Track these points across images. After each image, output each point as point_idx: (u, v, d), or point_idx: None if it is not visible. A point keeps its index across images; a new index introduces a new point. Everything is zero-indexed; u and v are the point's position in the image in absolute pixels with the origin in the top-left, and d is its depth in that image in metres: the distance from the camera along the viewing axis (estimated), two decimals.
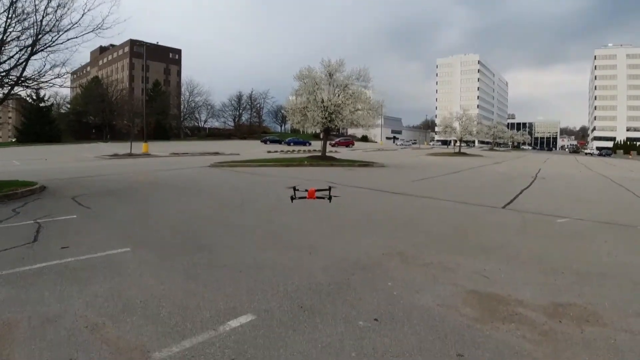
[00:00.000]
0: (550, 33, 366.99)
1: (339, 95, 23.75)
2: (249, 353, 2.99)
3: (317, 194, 5.40)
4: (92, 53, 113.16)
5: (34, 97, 62.59)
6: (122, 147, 37.79)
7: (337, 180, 14.52)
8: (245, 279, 4.57)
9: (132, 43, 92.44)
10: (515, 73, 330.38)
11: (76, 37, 11.20)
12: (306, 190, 5.35)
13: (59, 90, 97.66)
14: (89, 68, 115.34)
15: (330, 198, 5.33)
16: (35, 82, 11.28)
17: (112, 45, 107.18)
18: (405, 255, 5.50)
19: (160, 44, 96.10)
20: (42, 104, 66.46)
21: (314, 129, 25.07)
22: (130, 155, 30.16)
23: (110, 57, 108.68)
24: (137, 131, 44.82)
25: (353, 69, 24.19)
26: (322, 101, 23.56)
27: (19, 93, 13.98)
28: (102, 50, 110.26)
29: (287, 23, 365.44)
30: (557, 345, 3.16)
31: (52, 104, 74.40)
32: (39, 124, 64.53)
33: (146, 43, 51.41)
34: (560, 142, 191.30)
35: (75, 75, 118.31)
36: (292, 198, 5.08)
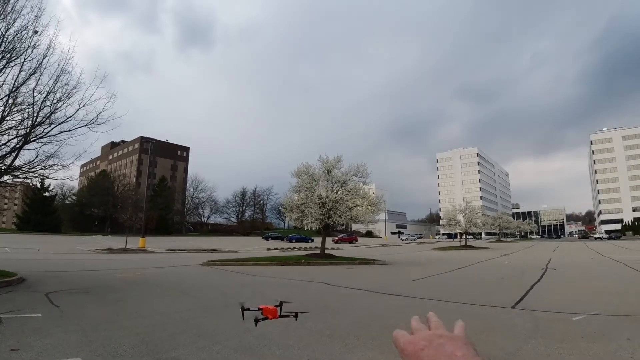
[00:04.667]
0: (547, 122, 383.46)
1: (337, 192, 23.76)
2: None
3: (281, 312, 4.73)
4: (103, 147, 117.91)
5: (39, 187, 63.86)
6: (120, 241, 37.37)
7: (332, 281, 13.85)
8: None
9: (142, 140, 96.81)
10: (516, 163, 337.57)
11: (69, 130, 11.55)
12: (259, 309, 4.71)
13: (65, 182, 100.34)
14: (98, 162, 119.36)
15: (296, 316, 4.69)
16: (24, 173, 11.37)
17: (123, 141, 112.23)
18: None
19: (169, 141, 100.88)
20: (46, 194, 67.55)
21: (311, 226, 24.76)
22: (124, 250, 29.65)
23: (120, 152, 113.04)
24: (139, 225, 44.74)
25: (351, 164, 24.45)
26: (320, 197, 23.57)
27: (19, 181, 14.06)
28: (113, 145, 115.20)
29: (294, 123, 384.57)
30: None
31: (56, 194, 75.76)
32: (41, 213, 65.06)
33: (155, 141, 53.63)
34: (568, 229, 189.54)
35: (84, 168, 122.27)
36: (256, 321, 4.47)
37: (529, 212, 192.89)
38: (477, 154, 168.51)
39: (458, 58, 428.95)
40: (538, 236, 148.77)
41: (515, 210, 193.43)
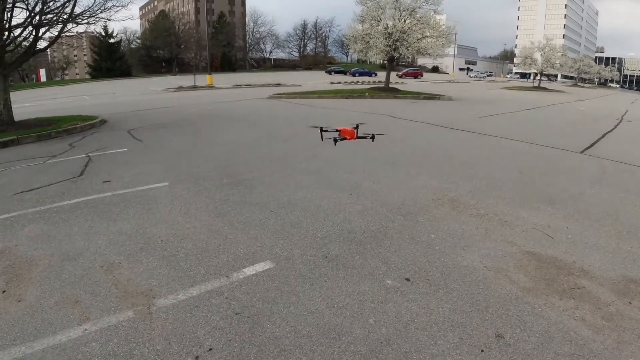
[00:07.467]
0: None
1: (405, 21, 21.69)
2: (256, 308, 2.69)
3: (358, 133, 4.66)
4: None
5: (103, 34, 64.52)
6: (188, 80, 38.39)
7: (397, 114, 13.65)
8: (274, 219, 4.26)
9: None
10: (609, 1, 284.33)
11: None
12: (337, 130, 4.65)
13: (128, 26, 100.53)
14: (155, 2, 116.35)
15: (373, 137, 4.63)
16: (86, 18, 11.30)
17: None
18: (458, 202, 4.87)
19: None
20: (111, 40, 68.55)
21: (376, 58, 23.48)
22: (194, 87, 30.57)
23: None
24: (205, 64, 45.27)
25: None
26: (386, 27, 21.79)
27: (83, 29, 14.17)
28: None
29: None
30: (621, 336, 2.49)
31: (121, 39, 76.55)
32: (110, 60, 66.99)
33: None
34: None
35: (143, 11, 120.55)
36: (335, 141, 4.46)
37: (613, 59, 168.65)
38: None
39: None
40: (618, 85, 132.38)
41: (598, 54, 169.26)
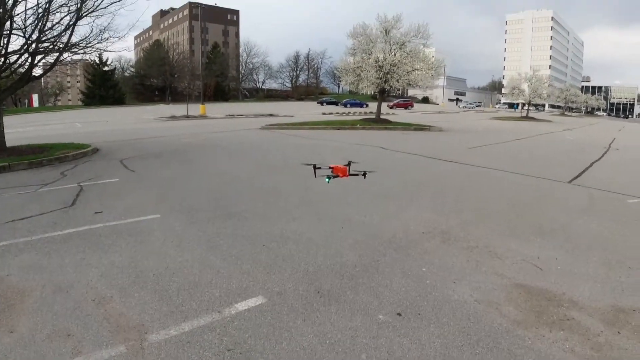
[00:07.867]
0: None
1: (395, 54, 22.37)
2: (248, 344, 2.69)
3: (350, 170, 4.81)
4: (153, 17, 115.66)
5: (97, 62, 64.95)
6: (181, 109, 38.70)
7: (388, 145, 13.85)
8: (266, 253, 4.28)
9: (191, 5, 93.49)
10: (594, 32, 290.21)
11: (119, 0, 11.19)
12: (330, 168, 4.79)
13: (122, 54, 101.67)
14: (151, 32, 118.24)
15: (364, 175, 4.80)
16: (82, 48, 11.46)
17: (172, 9, 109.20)
18: (448, 235, 4.93)
19: (218, 5, 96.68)
20: (105, 68, 68.97)
21: (367, 90, 24.02)
22: (187, 117, 30.81)
23: (170, 21, 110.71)
24: (198, 93, 45.71)
25: (411, 24, 22.51)
26: (377, 60, 22.40)
27: (78, 57, 14.36)
28: (163, 13, 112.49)
29: None
30: None
31: (115, 68, 76.91)
32: (103, 87, 67.20)
33: (203, 5, 51.61)
34: (637, 109, 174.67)
35: (138, 40, 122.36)
36: (328, 178, 4.60)
37: (599, 87, 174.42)
38: (552, 17, 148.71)
39: None
40: (605, 113, 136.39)
41: (585, 84, 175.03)
